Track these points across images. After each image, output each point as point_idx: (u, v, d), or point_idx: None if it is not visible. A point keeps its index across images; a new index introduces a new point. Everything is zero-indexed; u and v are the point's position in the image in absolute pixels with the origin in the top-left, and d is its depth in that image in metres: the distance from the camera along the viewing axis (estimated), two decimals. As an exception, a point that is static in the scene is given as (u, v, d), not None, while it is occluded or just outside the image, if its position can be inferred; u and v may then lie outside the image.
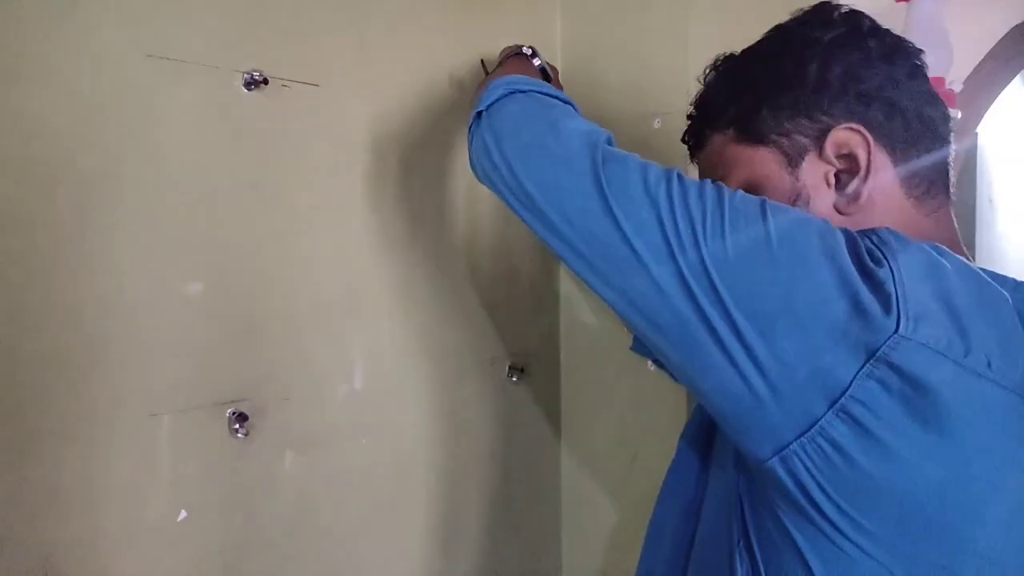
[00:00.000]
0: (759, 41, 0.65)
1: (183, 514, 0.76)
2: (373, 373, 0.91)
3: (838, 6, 0.63)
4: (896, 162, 0.59)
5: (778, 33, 0.64)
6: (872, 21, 0.63)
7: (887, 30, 0.63)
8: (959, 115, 0.99)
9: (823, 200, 0.60)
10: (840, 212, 0.59)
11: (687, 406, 0.97)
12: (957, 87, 1.02)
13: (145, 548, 0.73)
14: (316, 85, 0.84)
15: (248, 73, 0.78)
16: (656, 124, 0.99)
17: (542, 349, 1.11)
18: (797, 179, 0.60)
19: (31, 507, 0.66)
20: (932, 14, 0.99)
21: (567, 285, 1.13)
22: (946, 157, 0.61)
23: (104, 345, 0.70)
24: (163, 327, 0.74)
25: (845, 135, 0.58)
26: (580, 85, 1.05)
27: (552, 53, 1.09)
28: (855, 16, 0.62)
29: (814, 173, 0.60)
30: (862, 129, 0.58)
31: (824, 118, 0.59)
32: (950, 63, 1.00)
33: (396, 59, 0.92)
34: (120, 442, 0.71)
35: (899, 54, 0.60)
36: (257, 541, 0.81)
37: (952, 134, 0.62)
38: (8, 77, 0.64)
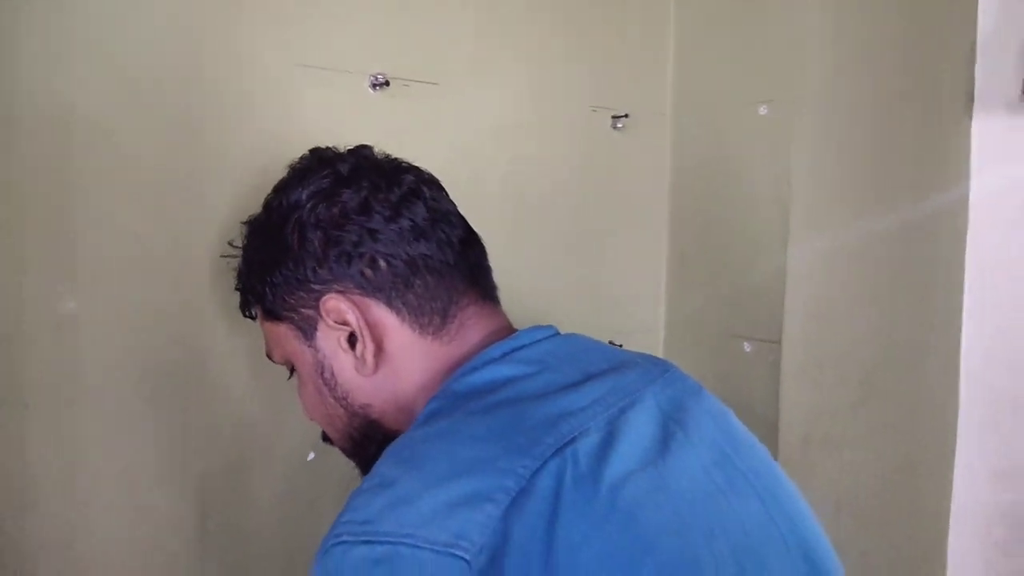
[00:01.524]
0: (263, 203, 0.63)
1: (312, 455, 0.90)
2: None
3: (327, 150, 0.62)
4: (397, 311, 0.58)
5: (272, 195, 0.62)
6: (356, 160, 0.61)
7: (372, 164, 0.61)
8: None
9: (343, 367, 0.60)
10: (363, 375, 0.59)
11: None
12: None
13: (280, 476, 0.88)
14: (435, 83, 0.94)
15: (373, 76, 0.90)
16: (762, 111, 1.01)
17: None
18: (317, 350, 0.61)
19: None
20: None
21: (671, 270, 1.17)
22: (450, 278, 0.60)
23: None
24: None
25: (333, 303, 0.58)
26: (692, 76, 1.10)
27: (664, 54, 1.14)
28: (334, 161, 0.60)
29: (329, 341, 0.60)
30: (345, 293, 0.58)
31: (316, 287, 0.58)
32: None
33: (511, 60, 1.00)
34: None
35: (377, 197, 0.58)
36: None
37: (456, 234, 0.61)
38: (175, 80, 0.79)
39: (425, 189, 0.61)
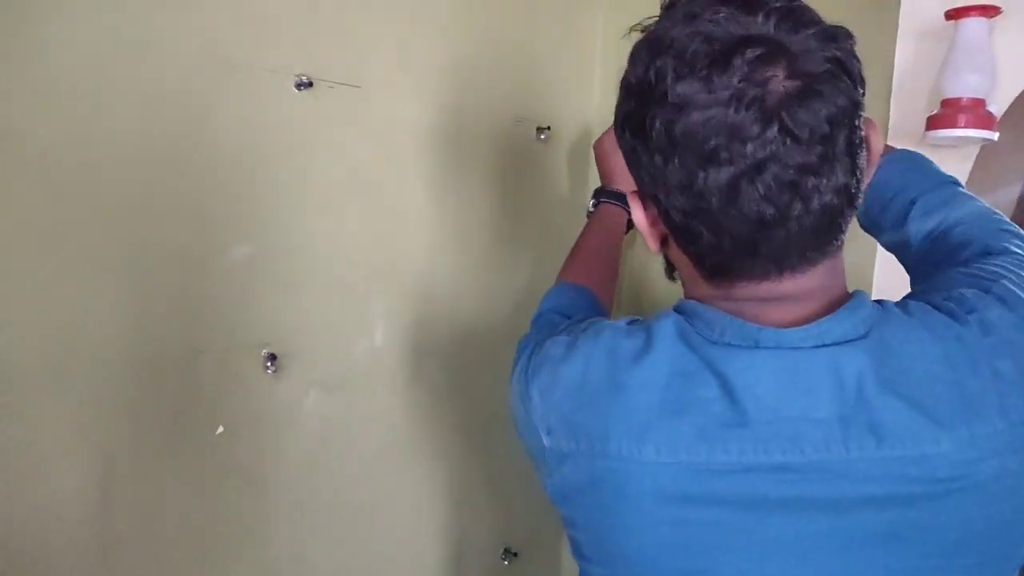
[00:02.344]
0: None
1: (220, 428, 0.95)
2: (391, 334, 1.06)
3: None
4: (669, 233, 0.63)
5: None
6: None
7: None
8: (996, 137, 0.99)
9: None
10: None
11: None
12: (995, 109, 1.00)
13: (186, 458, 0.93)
14: (359, 87, 0.99)
15: (298, 76, 0.95)
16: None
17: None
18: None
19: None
20: (978, 36, 0.98)
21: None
22: None
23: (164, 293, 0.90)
24: (215, 280, 0.93)
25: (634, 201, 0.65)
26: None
27: (591, 69, 1.18)
28: None
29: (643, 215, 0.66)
30: (651, 205, 0.63)
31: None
32: (992, 87, 0.99)
33: (436, 68, 1.05)
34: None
35: None
36: (280, 463, 1.00)
37: None
38: (89, 72, 0.84)
39: None
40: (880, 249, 0.95)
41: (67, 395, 0.81)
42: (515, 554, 1.22)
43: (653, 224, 0.61)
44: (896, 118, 1.08)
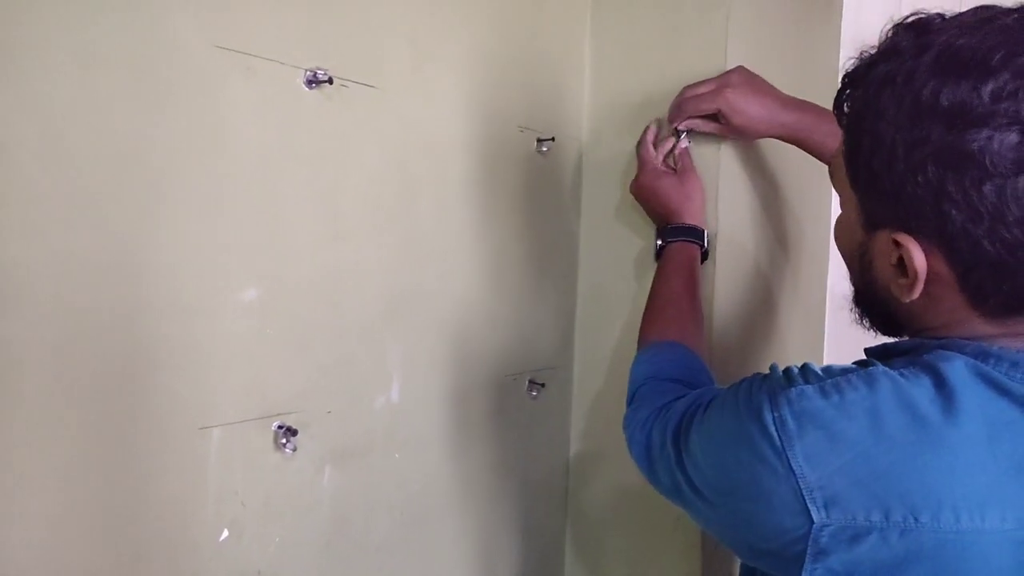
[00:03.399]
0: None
1: (225, 533, 0.72)
2: (408, 385, 0.88)
3: None
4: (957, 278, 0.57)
5: None
6: None
7: None
8: None
9: (884, 274, 0.60)
10: (892, 293, 0.60)
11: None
12: None
13: (187, 566, 0.69)
14: (374, 87, 0.81)
15: (311, 71, 0.75)
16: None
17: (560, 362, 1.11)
18: (869, 240, 0.61)
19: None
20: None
21: (583, 307, 1.13)
22: None
23: (158, 351, 0.65)
24: (218, 334, 0.70)
25: (908, 243, 0.56)
26: (606, 103, 1.06)
27: (581, 78, 1.09)
28: None
29: (883, 246, 0.59)
30: (934, 250, 0.56)
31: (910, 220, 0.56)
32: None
33: (446, 69, 0.90)
34: (170, 454, 0.67)
35: None
36: (295, 557, 0.78)
37: None
38: (77, 62, 0.59)
39: None
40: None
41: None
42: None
43: (931, 266, 0.54)
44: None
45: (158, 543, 0.67)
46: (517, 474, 1.05)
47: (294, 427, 0.75)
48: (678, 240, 0.94)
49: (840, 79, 0.59)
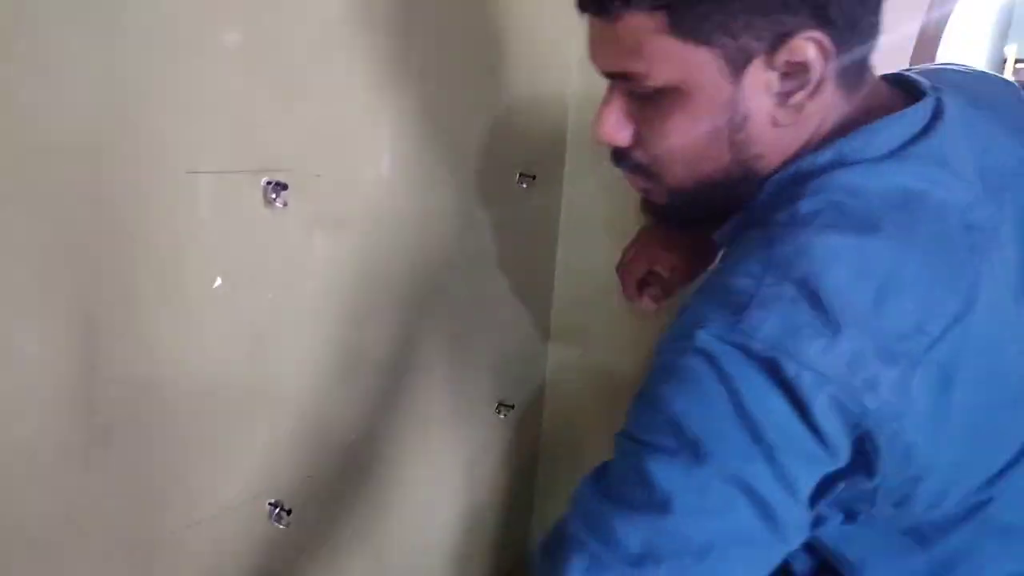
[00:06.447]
0: None
1: (218, 281, 0.73)
2: (400, 161, 0.88)
3: None
4: (836, 65, 0.54)
5: None
6: None
7: None
8: None
9: (761, 112, 0.55)
10: (776, 125, 0.56)
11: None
12: None
13: (180, 312, 0.71)
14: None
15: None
16: None
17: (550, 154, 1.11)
18: (740, 88, 0.54)
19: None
20: None
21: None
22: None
23: (139, 85, 0.64)
24: (206, 79, 0.68)
25: (803, 44, 0.52)
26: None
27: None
28: None
29: (758, 82, 0.54)
30: (824, 39, 0.52)
31: (787, 20, 0.51)
32: None
33: None
34: (156, 196, 0.67)
35: None
36: (287, 319, 0.80)
37: None
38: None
39: None
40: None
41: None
42: (511, 407, 1.14)
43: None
44: None
45: (150, 285, 0.68)
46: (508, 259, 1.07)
47: (284, 182, 0.75)
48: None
49: None
